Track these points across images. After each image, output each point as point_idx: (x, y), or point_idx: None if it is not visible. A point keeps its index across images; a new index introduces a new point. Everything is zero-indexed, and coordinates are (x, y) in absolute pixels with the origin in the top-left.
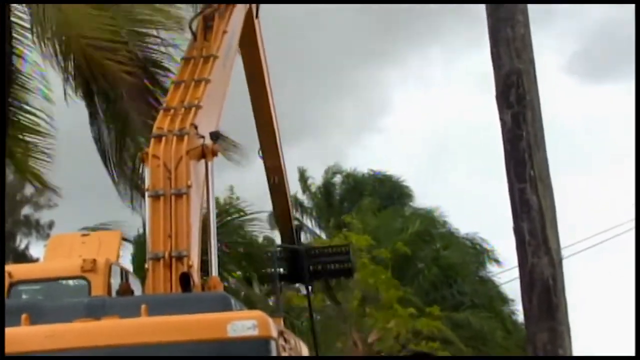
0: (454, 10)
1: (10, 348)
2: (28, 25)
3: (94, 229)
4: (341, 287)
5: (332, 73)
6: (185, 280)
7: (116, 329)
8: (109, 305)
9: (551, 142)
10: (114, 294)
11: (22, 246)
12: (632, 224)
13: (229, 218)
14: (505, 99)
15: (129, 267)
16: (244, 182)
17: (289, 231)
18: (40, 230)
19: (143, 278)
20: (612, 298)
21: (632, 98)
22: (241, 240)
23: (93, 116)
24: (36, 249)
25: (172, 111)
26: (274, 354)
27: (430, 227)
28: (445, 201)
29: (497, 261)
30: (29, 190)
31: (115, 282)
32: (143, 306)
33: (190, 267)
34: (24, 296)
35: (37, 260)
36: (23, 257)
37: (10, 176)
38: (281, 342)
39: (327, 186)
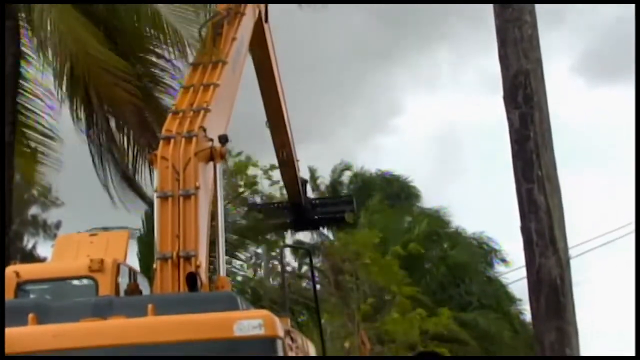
0: (461, 12)
1: (16, 347)
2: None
3: (106, 228)
4: (349, 284)
5: (343, 75)
6: (192, 280)
7: (122, 329)
8: (116, 304)
9: (559, 142)
10: (122, 293)
11: (30, 246)
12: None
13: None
14: (513, 100)
15: (137, 267)
16: None
17: (297, 192)
18: (48, 230)
19: (151, 278)
20: (621, 297)
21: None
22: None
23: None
24: (43, 249)
25: (180, 114)
26: (280, 353)
27: (437, 226)
28: (454, 201)
29: (504, 261)
30: (36, 190)
31: (123, 282)
32: (150, 306)
33: (198, 267)
34: (31, 296)
35: (44, 260)
36: (30, 257)
37: (17, 176)
38: (288, 341)
39: (335, 185)
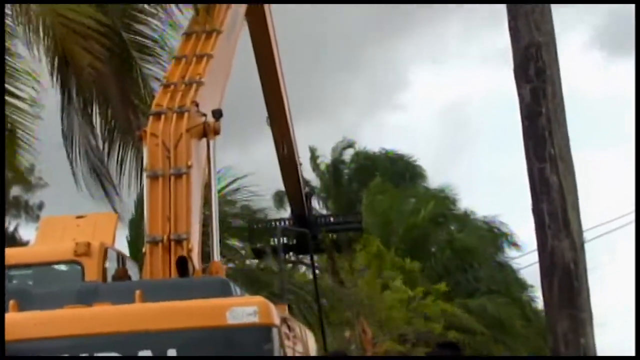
0: None
1: None
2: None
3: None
4: (349, 269)
5: (346, 50)
6: (182, 265)
7: (108, 316)
8: (102, 291)
9: (573, 119)
10: (109, 279)
11: (11, 228)
12: None
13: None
14: (524, 73)
15: (126, 252)
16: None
17: (300, 199)
18: (30, 211)
19: (140, 263)
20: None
21: None
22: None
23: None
24: (26, 231)
25: (172, 87)
26: (275, 342)
27: (444, 208)
28: (462, 182)
29: (515, 245)
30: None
31: (111, 266)
32: (137, 292)
33: (190, 250)
34: (13, 282)
35: (27, 243)
36: (12, 240)
37: None
38: (284, 329)
39: (336, 164)
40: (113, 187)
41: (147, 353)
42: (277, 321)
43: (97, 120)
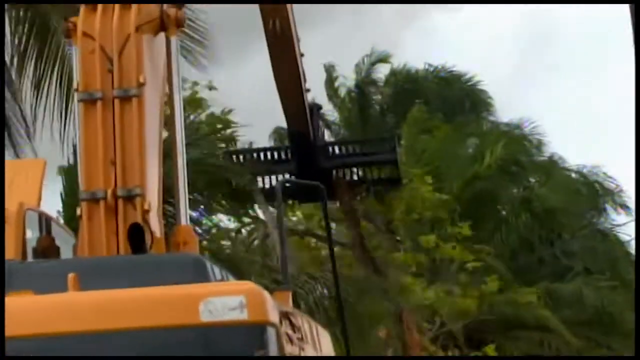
0: None
1: None
2: None
3: None
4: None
5: None
6: (136, 235)
7: (25, 311)
8: (18, 273)
9: None
10: (30, 254)
11: None
12: None
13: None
14: None
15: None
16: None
17: (300, 110)
18: None
19: (76, 230)
20: None
21: None
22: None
23: None
24: None
25: None
26: (272, 347)
27: (519, 152)
28: (545, 117)
29: (624, 207)
30: None
31: (34, 236)
32: (71, 275)
33: (146, 211)
34: None
35: None
36: None
37: None
38: (285, 329)
39: (362, 88)
40: (24, 121)
41: None
42: (273, 317)
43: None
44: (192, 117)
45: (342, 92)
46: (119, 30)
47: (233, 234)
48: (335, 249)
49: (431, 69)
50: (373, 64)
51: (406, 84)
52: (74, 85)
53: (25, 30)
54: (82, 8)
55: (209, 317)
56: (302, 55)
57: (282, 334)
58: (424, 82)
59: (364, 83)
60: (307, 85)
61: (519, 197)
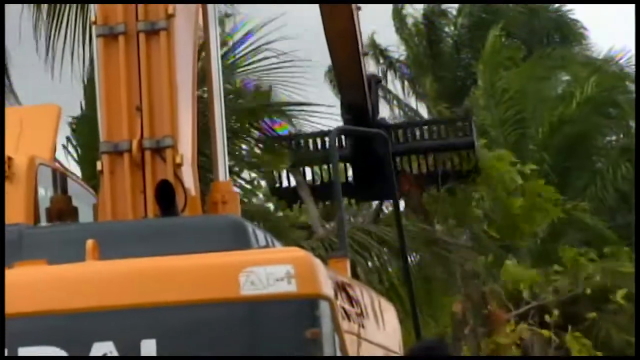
0: None
1: None
2: None
3: None
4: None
5: None
6: (165, 193)
7: (36, 284)
8: (30, 239)
9: None
10: (43, 216)
11: None
12: None
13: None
14: None
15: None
16: None
17: (357, 84)
18: None
19: (96, 188)
20: None
21: None
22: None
23: None
24: None
25: None
26: (326, 325)
27: (614, 90)
28: None
29: None
30: None
31: (47, 195)
32: (89, 242)
33: (178, 165)
34: None
35: None
36: None
37: None
38: (341, 302)
39: (433, 20)
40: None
41: (102, 346)
42: (327, 289)
43: None
44: None
45: (411, 25)
46: None
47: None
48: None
49: None
50: None
51: (484, 14)
52: (92, 17)
53: None
54: None
55: (251, 290)
56: (359, 8)
57: (337, 309)
58: (505, 11)
59: (435, 14)
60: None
61: (618, 146)
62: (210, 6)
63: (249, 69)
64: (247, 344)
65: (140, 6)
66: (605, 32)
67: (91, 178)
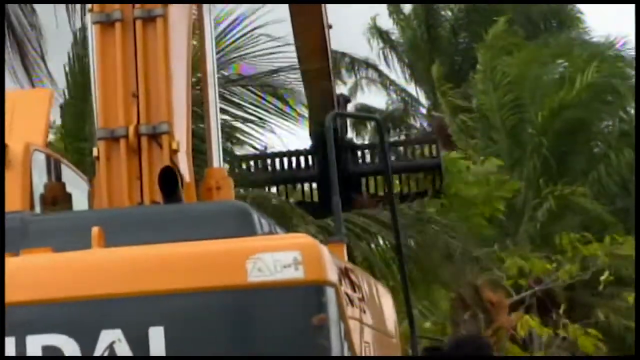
0: None
1: None
2: None
3: None
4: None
5: None
6: (168, 180)
7: (44, 272)
8: (34, 226)
9: None
10: (37, 203)
11: None
12: None
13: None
14: None
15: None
16: None
17: (326, 100)
18: None
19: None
20: None
21: None
22: None
23: None
24: None
25: None
26: (332, 311)
27: (613, 76)
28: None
29: None
30: None
31: (40, 180)
32: (95, 229)
33: (174, 152)
34: None
35: None
36: None
37: None
38: (345, 288)
39: (430, 4)
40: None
41: (110, 333)
42: (333, 275)
43: None
44: None
45: (407, 8)
46: None
47: None
48: None
49: None
50: None
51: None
52: (88, 5)
53: None
54: None
55: (258, 277)
56: (329, 26)
57: (342, 295)
58: None
59: None
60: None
61: (618, 131)
62: None
63: (242, 55)
64: (254, 331)
65: None
66: (601, 16)
67: (77, 165)
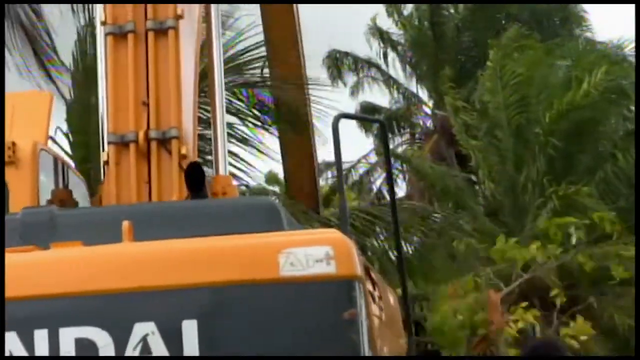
0: None
1: None
2: None
3: None
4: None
5: None
6: (195, 176)
7: (77, 265)
8: (62, 220)
9: None
10: (42, 202)
11: None
12: None
13: None
14: None
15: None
16: None
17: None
18: None
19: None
20: None
21: None
22: None
23: None
24: None
25: None
26: (360, 306)
27: (621, 78)
28: None
29: None
30: None
31: (46, 180)
32: (125, 223)
33: (183, 157)
34: None
35: None
36: None
37: None
38: (368, 286)
39: (434, 5)
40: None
41: (144, 326)
42: (360, 270)
43: None
44: None
45: (408, 7)
46: None
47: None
48: None
49: None
50: None
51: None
52: (101, 17)
53: None
54: None
55: (290, 271)
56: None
57: (366, 291)
58: None
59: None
60: None
61: (624, 131)
62: (213, 5)
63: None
64: (286, 325)
65: (150, 5)
66: (604, 15)
67: (82, 161)
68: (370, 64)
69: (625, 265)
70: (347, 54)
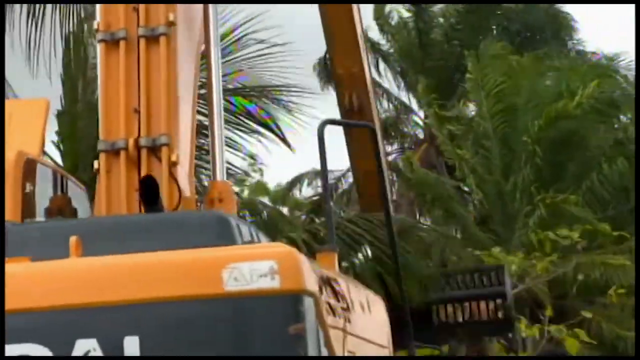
0: None
1: None
2: None
3: None
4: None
5: None
6: (148, 188)
7: (20, 281)
8: (15, 236)
9: None
10: (40, 212)
11: None
12: None
13: None
14: None
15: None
16: None
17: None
18: None
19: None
20: None
21: None
22: None
23: None
24: None
25: None
26: (310, 320)
27: (613, 90)
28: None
29: None
30: None
31: (43, 189)
32: (72, 238)
33: (174, 164)
34: None
35: None
36: None
37: None
38: (326, 298)
39: (420, 13)
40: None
41: (86, 343)
42: (311, 284)
43: None
44: None
45: (395, 16)
46: None
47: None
48: None
49: None
50: None
51: (473, 7)
52: (94, 25)
53: None
54: None
55: (234, 286)
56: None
57: (322, 304)
58: (493, 7)
59: (422, 8)
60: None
61: (612, 139)
62: (210, 7)
63: (236, 59)
64: (230, 341)
65: (142, 12)
66: (593, 25)
67: (72, 170)
68: None
69: (613, 275)
70: None
